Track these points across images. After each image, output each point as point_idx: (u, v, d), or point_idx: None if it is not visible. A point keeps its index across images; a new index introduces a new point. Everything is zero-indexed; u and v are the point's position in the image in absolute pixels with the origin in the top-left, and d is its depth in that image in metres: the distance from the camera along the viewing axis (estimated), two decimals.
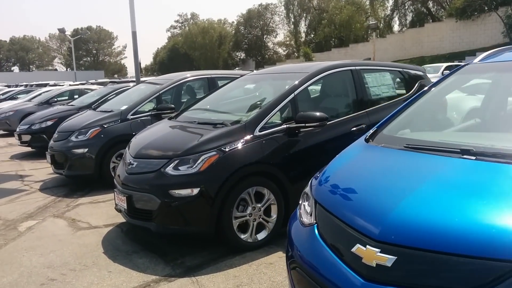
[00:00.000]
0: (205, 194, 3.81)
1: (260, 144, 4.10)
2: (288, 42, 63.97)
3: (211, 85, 7.52)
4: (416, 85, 5.61)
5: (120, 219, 4.83)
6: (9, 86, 31.34)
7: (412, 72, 5.77)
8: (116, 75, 79.23)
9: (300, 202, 2.73)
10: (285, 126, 4.26)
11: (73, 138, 6.61)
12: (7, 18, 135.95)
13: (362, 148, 2.84)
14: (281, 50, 65.68)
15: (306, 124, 4.25)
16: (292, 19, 56.86)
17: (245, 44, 64.17)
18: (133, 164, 4.21)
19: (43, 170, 8.31)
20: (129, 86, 11.35)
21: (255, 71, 6.67)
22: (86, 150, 6.44)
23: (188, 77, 7.52)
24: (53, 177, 7.59)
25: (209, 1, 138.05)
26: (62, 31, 38.52)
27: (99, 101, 10.35)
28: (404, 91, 5.63)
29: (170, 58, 66.21)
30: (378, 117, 4.98)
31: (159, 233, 4.12)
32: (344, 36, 46.61)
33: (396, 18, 51.32)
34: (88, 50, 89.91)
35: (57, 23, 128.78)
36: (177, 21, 78.93)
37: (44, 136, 9.73)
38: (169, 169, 3.90)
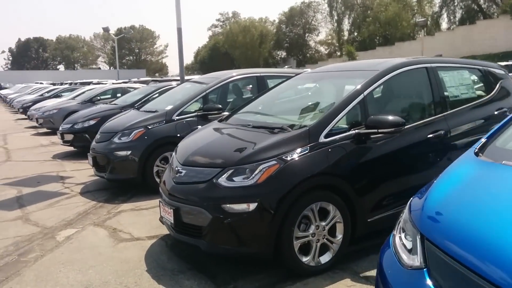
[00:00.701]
0: (263, 210, 3.28)
1: (325, 153, 3.53)
2: (330, 41, 62.82)
3: (260, 85, 7.00)
4: (497, 86, 4.91)
5: (164, 230, 4.39)
6: (54, 84, 32.11)
7: (494, 70, 5.04)
8: (157, 74, 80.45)
9: (394, 232, 2.15)
10: (353, 131, 3.68)
11: (115, 139, 6.25)
12: (54, 18, 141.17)
13: (474, 165, 2.23)
14: (323, 49, 64.62)
15: (379, 130, 3.65)
16: (336, 17, 55.52)
17: (286, 43, 63.51)
18: (181, 172, 3.74)
19: (84, 171, 8.05)
20: (172, 85, 11.04)
21: (309, 69, 6.12)
22: (129, 152, 6.07)
23: (236, 76, 7.03)
24: (94, 179, 7.30)
25: (250, 0, 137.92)
26: (106, 30, 39.21)
27: (142, 100, 10.09)
28: (483, 93, 4.92)
29: (211, 57, 66.50)
30: (458, 122, 4.35)
31: (209, 253, 3.63)
32: (390, 34, 45.07)
33: (445, 15, 49.27)
34: (131, 49, 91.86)
35: (102, 23, 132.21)
36: (218, 20, 79.32)
37: (87, 135, 9.54)
38: (222, 180, 3.40)
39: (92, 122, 9.60)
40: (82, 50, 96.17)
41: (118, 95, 15.13)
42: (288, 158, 3.39)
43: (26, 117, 18.20)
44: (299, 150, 3.45)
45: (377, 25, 46.19)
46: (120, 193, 6.40)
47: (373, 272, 3.46)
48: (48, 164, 9.05)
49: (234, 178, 3.37)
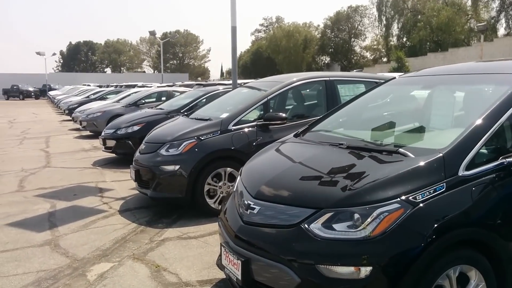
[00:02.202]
0: (381, 275, 2.20)
1: (469, 193, 2.40)
2: (375, 46, 60.72)
3: (329, 90, 5.91)
4: None
5: (220, 273, 3.40)
6: (100, 86, 32.24)
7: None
8: (199, 78, 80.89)
9: None
10: (504, 161, 2.53)
11: (162, 151, 5.32)
12: (103, 22, 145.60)
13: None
14: (368, 55, 62.57)
15: None
16: (384, 22, 53.09)
17: (331, 48, 61.91)
18: (253, 208, 2.70)
19: (125, 183, 7.22)
20: (219, 89, 10.16)
21: (395, 74, 5.14)
22: (177, 167, 5.12)
23: (302, 80, 5.97)
24: (135, 194, 6.43)
25: (295, 5, 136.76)
26: (152, 33, 39.18)
27: (189, 106, 9.25)
28: None
29: (253, 62, 65.86)
30: None
31: None
32: (442, 39, 42.67)
33: (503, 21, 46.25)
34: (175, 53, 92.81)
35: (147, 28, 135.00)
36: (261, 25, 78.63)
37: (130, 142, 8.77)
38: (317, 227, 2.34)
39: (136, 128, 8.82)
40: (129, 53, 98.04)
41: (163, 98, 14.48)
42: (419, 201, 2.28)
43: (71, 119, 17.90)
44: (431, 188, 2.33)
45: (428, 30, 43.81)
46: (164, 213, 5.48)
47: None
48: (87, 172, 8.31)
49: (334, 225, 2.31)
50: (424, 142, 2.83)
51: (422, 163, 2.42)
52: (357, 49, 62.74)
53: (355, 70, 8.07)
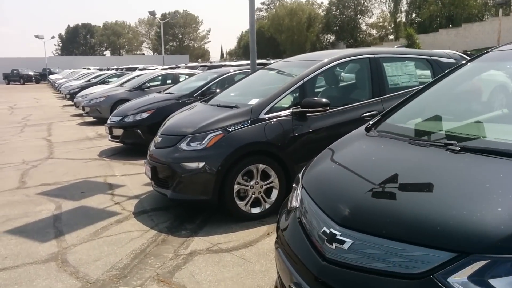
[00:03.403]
0: None
1: None
2: (381, 24, 59.10)
3: (374, 70, 5.10)
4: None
5: None
6: (101, 70, 31.26)
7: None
8: (199, 60, 79.63)
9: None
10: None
11: (183, 145, 4.54)
12: (102, 4, 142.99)
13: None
14: (374, 32, 60.93)
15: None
16: None
17: (336, 26, 60.29)
18: (341, 241, 1.87)
19: (137, 177, 6.48)
20: (229, 71, 9.34)
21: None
22: (202, 164, 4.34)
23: (340, 58, 5.13)
24: (149, 191, 5.70)
25: None
26: (152, 13, 38.02)
27: (202, 90, 8.44)
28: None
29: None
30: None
31: None
32: (454, 15, 41.21)
33: None
34: (174, 34, 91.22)
35: (146, 9, 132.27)
36: (263, 3, 76.74)
37: (138, 130, 8.00)
38: (460, 281, 1.55)
39: (145, 115, 8.04)
40: (127, 36, 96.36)
41: (168, 81, 13.70)
42: None
43: (73, 104, 17.10)
44: None
45: (439, 5, 42.27)
46: (186, 216, 4.75)
47: None
48: (94, 164, 7.56)
49: (491, 281, 1.53)
50: None
51: None
52: (363, 26, 61.15)
53: (396, 46, 7.19)
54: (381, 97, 5.05)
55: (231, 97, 5.47)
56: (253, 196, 4.50)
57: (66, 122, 14.23)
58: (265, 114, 4.56)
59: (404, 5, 50.83)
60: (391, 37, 55.50)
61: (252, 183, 4.49)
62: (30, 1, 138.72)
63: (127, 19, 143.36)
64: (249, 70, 9.32)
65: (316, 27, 59.43)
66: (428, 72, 5.60)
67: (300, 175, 2.69)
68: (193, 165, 4.38)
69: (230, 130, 4.41)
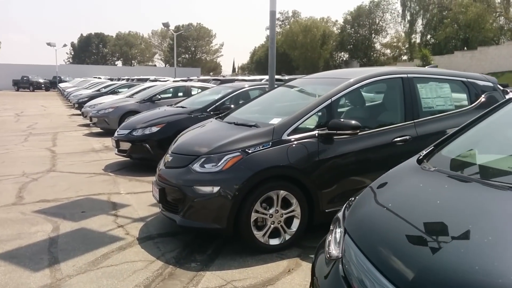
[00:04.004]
0: None
1: None
2: (395, 44, 58.79)
3: (408, 91, 4.64)
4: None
5: None
6: (111, 79, 31.16)
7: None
8: (211, 73, 79.74)
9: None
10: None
11: (196, 166, 4.07)
12: (115, 14, 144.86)
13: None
14: (388, 52, 60.61)
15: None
16: (408, 17, 50.83)
17: (350, 44, 60.12)
18: None
19: (143, 196, 6.03)
20: (244, 86, 8.94)
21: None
22: (217, 188, 3.87)
23: (371, 77, 4.67)
24: (156, 213, 5.24)
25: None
26: (166, 25, 38.06)
27: (216, 105, 8.04)
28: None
29: (268, 57, 64.45)
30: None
31: None
32: (470, 37, 40.78)
33: None
34: (187, 47, 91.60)
35: (159, 20, 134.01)
36: (277, 19, 76.93)
37: (147, 145, 7.57)
38: None
39: (154, 129, 7.61)
40: (140, 47, 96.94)
41: (180, 94, 13.37)
42: None
43: (81, 113, 16.79)
44: None
45: (455, 27, 41.86)
46: (196, 245, 4.27)
47: None
48: (98, 180, 7.12)
49: None
50: None
51: None
52: (377, 46, 60.92)
53: (428, 66, 6.84)
54: (414, 120, 4.59)
55: (249, 115, 5.02)
56: (272, 225, 4.02)
57: (73, 132, 13.88)
58: (288, 135, 4.10)
59: (419, 26, 50.64)
60: (405, 57, 55.13)
61: (271, 211, 4.00)
62: (43, 9, 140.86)
63: (140, 30, 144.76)
64: (265, 86, 8.98)
65: (330, 45, 59.25)
66: (464, 96, 5.13)
67: (340, 215, 2.23)
68: (207, 189, 3.92)
69: (250, 151, 3.95)
